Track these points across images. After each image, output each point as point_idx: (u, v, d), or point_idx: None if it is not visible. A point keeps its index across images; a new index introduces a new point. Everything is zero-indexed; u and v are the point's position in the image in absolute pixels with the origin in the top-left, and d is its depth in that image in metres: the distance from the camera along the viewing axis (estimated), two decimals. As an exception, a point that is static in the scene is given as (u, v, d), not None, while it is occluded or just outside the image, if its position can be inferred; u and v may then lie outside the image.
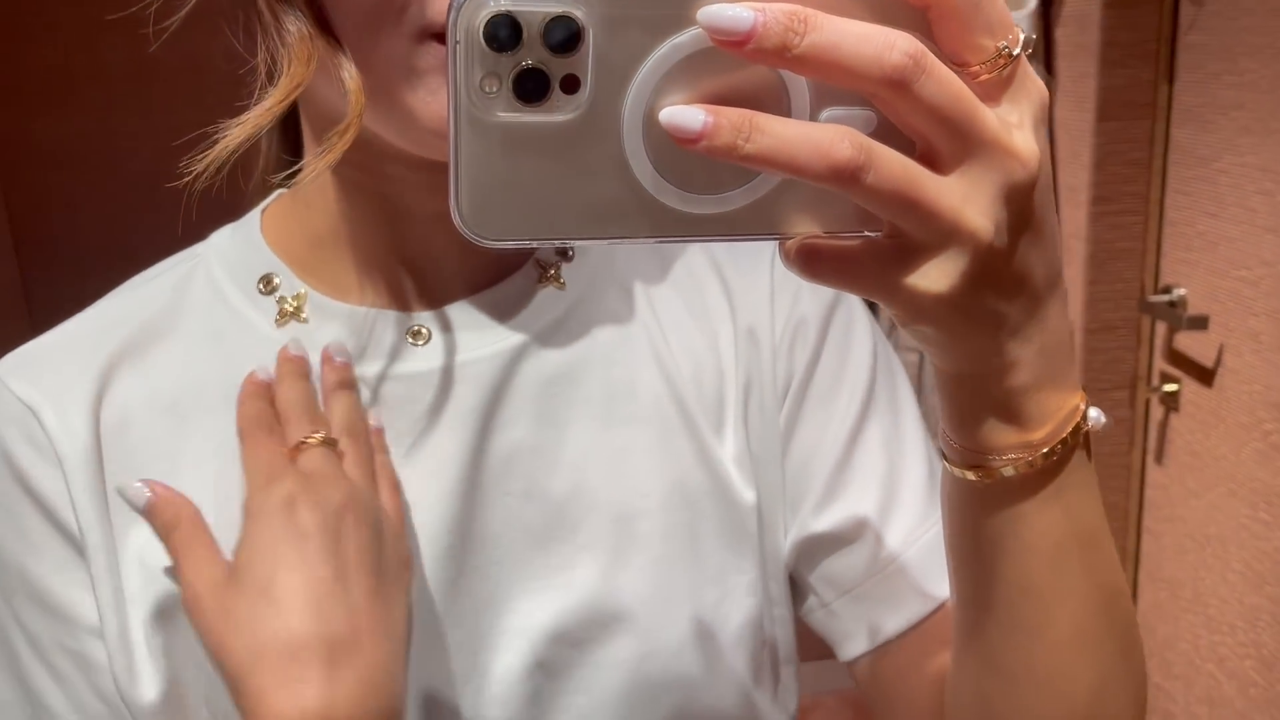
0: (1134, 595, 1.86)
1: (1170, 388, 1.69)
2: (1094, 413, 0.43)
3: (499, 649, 0.55)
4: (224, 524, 0.52)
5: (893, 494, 0.60)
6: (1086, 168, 1.70)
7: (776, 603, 0.61)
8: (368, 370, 0.56)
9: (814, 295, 0.60)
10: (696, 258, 0.61)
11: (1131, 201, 1.71)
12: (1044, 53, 1.77)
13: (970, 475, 0.42)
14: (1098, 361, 1.77)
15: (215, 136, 0.47)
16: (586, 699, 0.56)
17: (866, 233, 0.37)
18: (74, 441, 0.54)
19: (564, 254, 0.59)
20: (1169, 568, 1.76)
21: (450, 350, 0.56)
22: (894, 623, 0.59)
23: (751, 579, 0.58)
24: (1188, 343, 1.66)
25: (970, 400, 0.41)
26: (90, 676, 0.54)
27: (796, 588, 0.63)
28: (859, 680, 0.62)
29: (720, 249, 0.62)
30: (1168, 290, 1.68)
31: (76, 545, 0.54)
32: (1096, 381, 1.79)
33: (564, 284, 0.58)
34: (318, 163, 0.47)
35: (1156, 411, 1.75)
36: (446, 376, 0.55)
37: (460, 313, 0.56)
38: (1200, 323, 1.57)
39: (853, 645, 0.60)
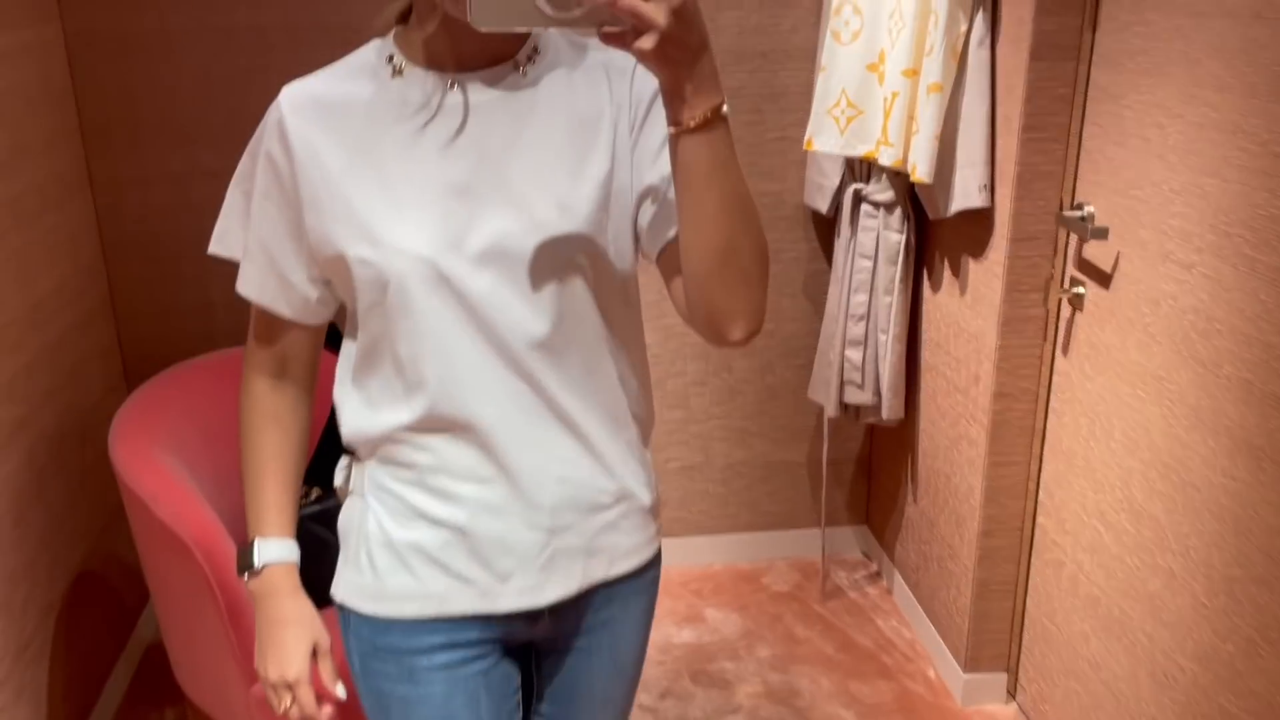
0: (1039, 466, 2.19)
1: (1078, 290, 2.00)
2: (725, 107, 0.94)
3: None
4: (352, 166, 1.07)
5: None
6: (1019, 100, 1.98)
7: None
8: (431, 99, 1.08)
9: (644, 81, 1.10)
10: (595, 60, 1.13)
11: (1055, 131, 1.99)
12: (990, 0, 2.04)
13: (671, 129, 0.94)
14: (1019, 266, 2.07)
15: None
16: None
17: (622, 27, 0.89)
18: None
19: (531, 55, 1.10)
20: (1068, 441, 2.08)
21: (465, 91, 1.08)
22: (669, 233, 1.10)
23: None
24: (1092, 251, 1.96)
25: (671, 97, 0.93)
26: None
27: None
28: (660, 267, 1.11)
29: (607, 58, 1.13)
30: (1080, 207, 1.98)
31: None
32: (1018, 284, 2.09)
33: (525, 73, 1.10)
34: (429, 25, 1.05)
35: (1065, 311, 2.06)
36: (465, 103, 1.08)
37: (472, 77, 1.09)
38: (1101, 233, 1.88)
39: (653, 249, 1.12)
